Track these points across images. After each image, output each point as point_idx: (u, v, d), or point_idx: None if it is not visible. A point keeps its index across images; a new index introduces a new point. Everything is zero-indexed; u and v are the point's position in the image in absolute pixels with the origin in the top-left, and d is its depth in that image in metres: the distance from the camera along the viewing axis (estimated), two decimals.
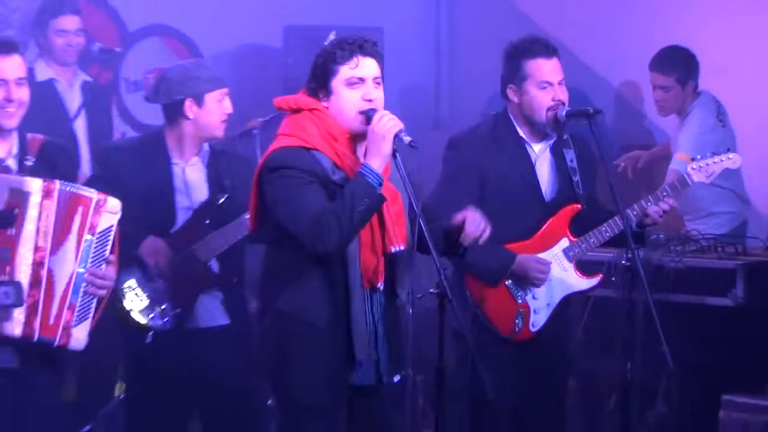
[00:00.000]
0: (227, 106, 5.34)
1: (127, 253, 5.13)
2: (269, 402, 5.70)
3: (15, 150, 4.75)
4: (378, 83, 4.46)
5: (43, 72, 6.77)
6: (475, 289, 5.24)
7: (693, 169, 5.39)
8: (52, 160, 4.75)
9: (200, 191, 5.35)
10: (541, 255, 5.27)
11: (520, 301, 5.26)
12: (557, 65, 5.27)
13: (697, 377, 5.09)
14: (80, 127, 6.77)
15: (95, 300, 4.65)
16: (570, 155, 5.34)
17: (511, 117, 5.33)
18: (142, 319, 5.25)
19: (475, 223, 4.52)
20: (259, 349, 4.67)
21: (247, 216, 4.64)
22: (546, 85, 5.23)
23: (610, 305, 5.46)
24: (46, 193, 4.54)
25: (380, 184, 4.31)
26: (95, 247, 4.60)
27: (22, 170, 4.67)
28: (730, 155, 5.45)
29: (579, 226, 5.30)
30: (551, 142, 5.35)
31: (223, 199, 5.24)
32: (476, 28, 8.87)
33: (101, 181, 5.35)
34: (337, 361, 4.40)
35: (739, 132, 6.77)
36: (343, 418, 4.48)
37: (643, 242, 5.37)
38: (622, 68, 7.91)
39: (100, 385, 6.64)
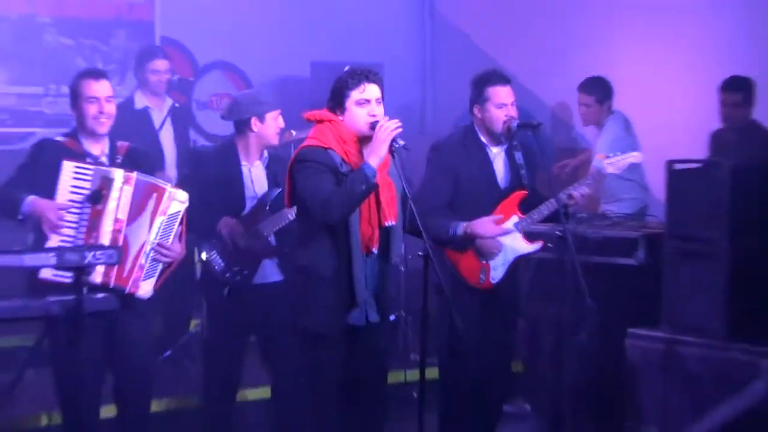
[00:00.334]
0: (281, 122, 5.32)
1: (210, 231, 5.17)
2: None
3: (107, 150, 4.74)
4: (379, 102, 4.49)
5: (140, 101, 6.75)
6: (451, 253, 5.25)
7: (607, 164, 5.39)
8: (136, 161, 4.76)
9: (262, 185, 5.33)
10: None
11: (483, 261, 5.27)
12: (510, 90, 5.26)
13: (609, 316, 5.08)
14: (165, 138, 6.74)
15: (160, 264, 4.65)
16: (518, 156, 5.33)
17: (476, 128, 5.32)
18: (220, 277, 5.25)
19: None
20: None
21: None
22: (502, 105, 5.22)
23: (548, 264, 5.46)
24: (126, 180, 4.54)
25: (374, 176, 4.31)
26: (165, 226, 4.61)
27: (113, 165, 4.67)
28: (635, 153, 5.44)
29: (525, 206, 5.29)
30: (505, 146, 5.34)
31: (277, 192, 5.22)
32: (452, 63, 8.95)
33: (189, 178, 5.38)
34: (341, 303, 4.42)
35: (641, 136, 6.77)
36: (345, 349, 4.48)
37: (568, 218, 5.36)
38: (556, 92, 7.92)
39: (179, 324, 6.69)
